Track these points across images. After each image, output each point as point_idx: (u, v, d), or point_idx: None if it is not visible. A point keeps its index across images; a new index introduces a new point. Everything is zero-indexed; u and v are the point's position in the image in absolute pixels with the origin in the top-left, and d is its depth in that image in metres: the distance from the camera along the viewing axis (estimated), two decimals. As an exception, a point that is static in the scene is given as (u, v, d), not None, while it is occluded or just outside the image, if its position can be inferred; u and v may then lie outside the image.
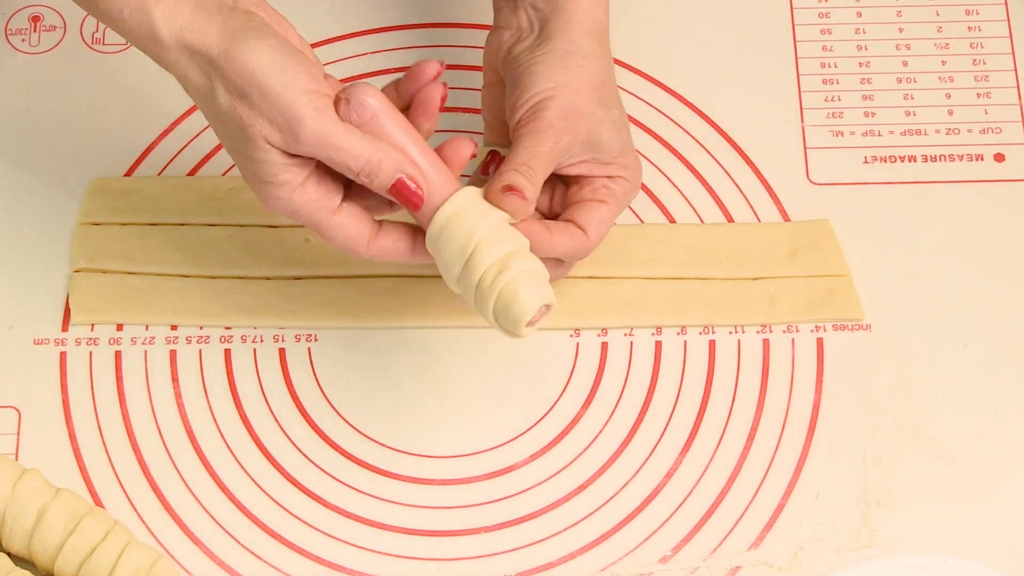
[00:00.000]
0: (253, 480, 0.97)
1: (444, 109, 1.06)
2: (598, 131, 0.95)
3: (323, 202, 0.89)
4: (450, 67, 1.09)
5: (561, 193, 0.98)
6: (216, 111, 0.88)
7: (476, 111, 1.06)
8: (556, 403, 1.00)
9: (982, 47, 1.10)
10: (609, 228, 0.97)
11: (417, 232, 0.92)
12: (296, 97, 0.86)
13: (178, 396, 1.00)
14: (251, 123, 0.86)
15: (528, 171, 0.93)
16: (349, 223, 0.90)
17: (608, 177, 0.96)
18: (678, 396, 1.00)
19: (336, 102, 0.88)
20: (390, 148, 0.88)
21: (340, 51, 1.10)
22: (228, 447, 0.98)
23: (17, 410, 0.99)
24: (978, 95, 1.08)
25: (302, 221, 0.90)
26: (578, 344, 1.01)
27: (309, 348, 1.01)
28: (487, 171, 0.97)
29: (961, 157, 1.07)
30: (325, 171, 0.90)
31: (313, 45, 1.09)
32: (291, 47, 0.88)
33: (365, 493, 0.97)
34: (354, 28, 1.11)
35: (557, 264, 0.97)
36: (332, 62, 1.09)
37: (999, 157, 1.07)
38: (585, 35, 0.95)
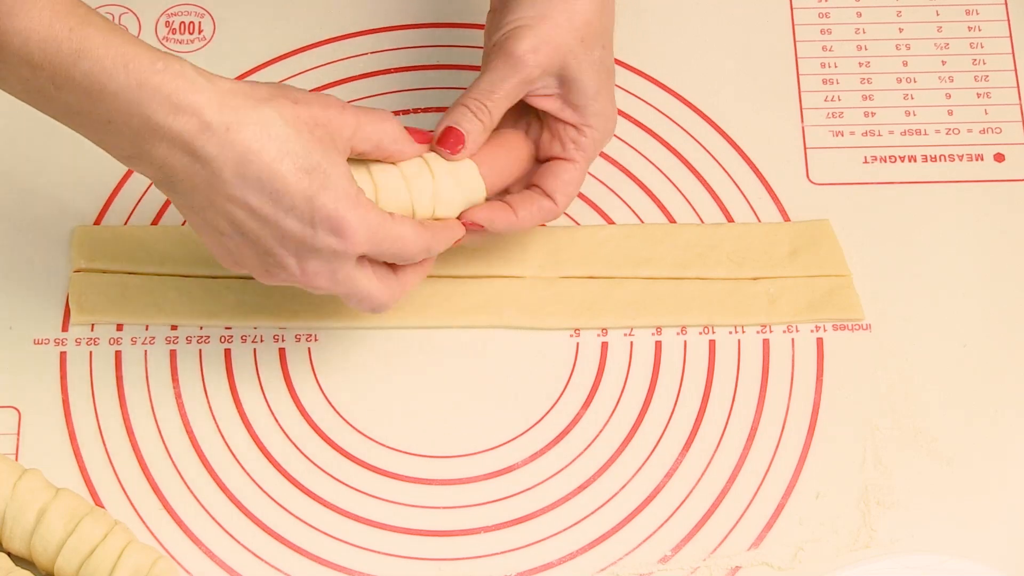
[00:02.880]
0: (253, 480, 0.97)
1: (445, 109, 1.06)
2: (574, 68, 0.93)
3: (380, 209, 0.90)
4: (449, 67, 1.09)
5: (536, 130, 0.97)
6: (284, 135, 0.85)
7: (476, 111, 1.06)
8: (556, 403, 1.00)
9: (982, 47, 1.10)
10: (579, 187, 0.97)
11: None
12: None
13: (178, 396, 1.00)
14: (315, 121, 0.86)
15: (480, 109, 0.93)
16: (408, 221, 0.90)
17: (577, 128, 0.95)
18: (678, 396, 1.00)
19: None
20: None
21: (340, 51, 1.10)
22: (228, 447, 0.98)
23: (17, 410, 0.99)
24: (978, 95, 1.08)
25: (382, 235, 0.88)
26: (578, 344, 1.01)
27: (309, 348, 1.01)
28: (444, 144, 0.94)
29: (961, 157, 1.07)
30: None
31: (313, 45, 1.10)
32: None
33: (365, 493, 0.97)
34: (354, 28, 1.10)
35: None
36: (332, 62, 1.09)
37: (999, 157, 1.07)
38: None
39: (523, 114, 0.98)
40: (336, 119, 0.88)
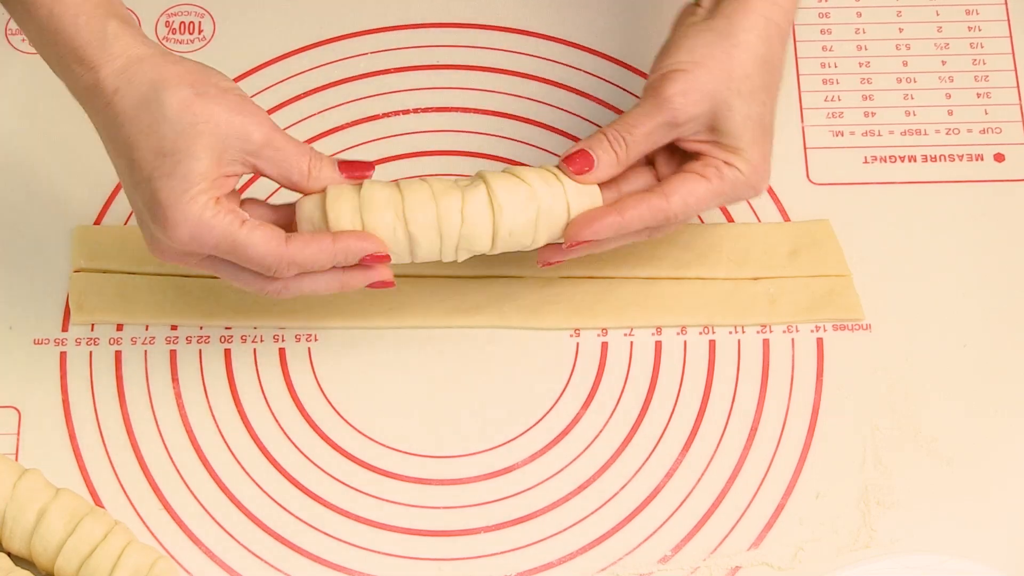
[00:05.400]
0: (253, 480, 0.97)
1: (445, 110, 1.06)
2: (725, 119, 0.92)
3: (234, 216, 0.88)
4: (450, 67, 1.09)
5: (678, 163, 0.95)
6: (160, 114, 0.87)
7: (475, 111, 1.06)
8: (556, 403, 1.00)
9: (982, 47, 1.10)
10: (700, 205, 0.93)
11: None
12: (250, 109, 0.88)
13: (178, 396, 1.00)
14: (208, 117, 0.87)
15: (617, 140, 0.92)
16: (261, 229, 0.89)
17: (726, 163, 0.93)
18: (678, 396, 1.00)
19: None
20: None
21: (340, 51, 1.10)
22: (228, 447, 0.98)
23: (17, 410, 0.99)
24: (978, 95, 1.08)
25: (212, 238, 0.88)
26: (578, 344, 1.01)
27: (309, 348, 1.01)
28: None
29: (961, 157, 1.07)
30: (232, 201, 0.90)
31: (313, 45, 1.10)
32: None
33: (365, 493, 0.97)
34: (354, 28, 1.10)
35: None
36: (332, 62, 1.09)
37: (999, 157, 1.07)
38: (751, 25, 0.93)
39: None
40: (242, 127, 0.87)
